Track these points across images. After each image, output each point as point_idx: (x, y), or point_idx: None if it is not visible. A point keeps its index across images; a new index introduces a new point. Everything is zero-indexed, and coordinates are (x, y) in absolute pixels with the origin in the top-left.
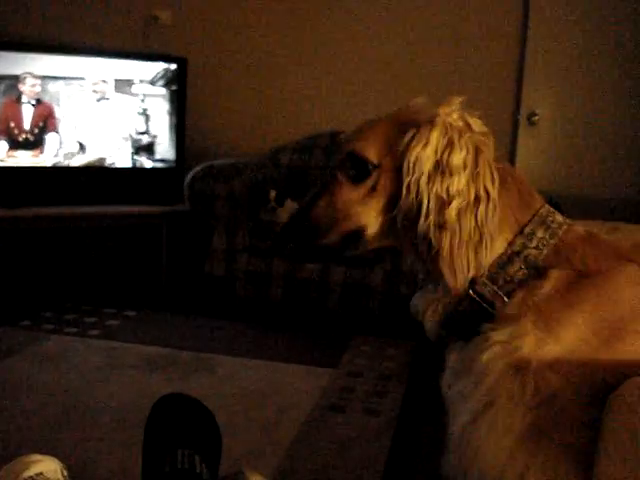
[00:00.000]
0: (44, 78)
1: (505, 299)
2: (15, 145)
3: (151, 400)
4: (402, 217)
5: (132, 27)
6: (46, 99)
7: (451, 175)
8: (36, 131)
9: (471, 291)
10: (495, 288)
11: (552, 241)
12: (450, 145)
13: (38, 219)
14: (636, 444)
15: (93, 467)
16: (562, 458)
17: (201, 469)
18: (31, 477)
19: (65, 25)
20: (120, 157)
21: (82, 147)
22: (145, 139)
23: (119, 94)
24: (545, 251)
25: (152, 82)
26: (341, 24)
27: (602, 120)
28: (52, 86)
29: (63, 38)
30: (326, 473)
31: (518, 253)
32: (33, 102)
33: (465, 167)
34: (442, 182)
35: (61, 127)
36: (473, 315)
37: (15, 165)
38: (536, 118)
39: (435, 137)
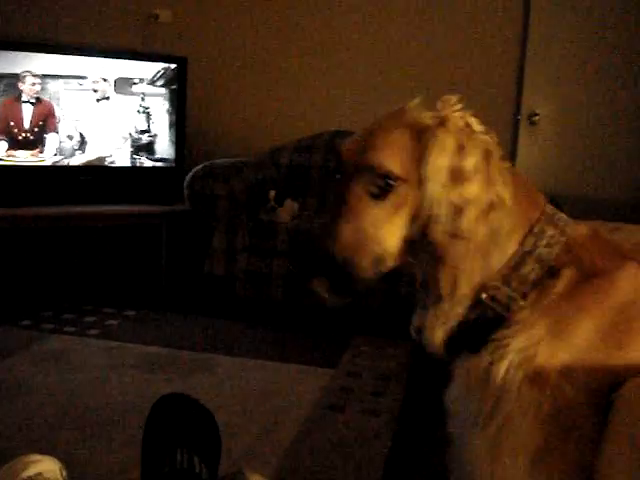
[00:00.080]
0: (44, 77)
1: (521, 302)
2: (15, 144)
3: (151, 400)
4: (421, 228)
5: (132, 26)
6: (46, 98)
7: (464, 181)
8: (36, 130)
9: (484, 295)
10: (509, 290)
11: (562, 239)
12: (461, 149)
13: (38, 219)
14: (636, 444)
15: (93, 467)
16: (576, 476)
17: (200, 469)
18: (30, 477)
19: (65, 24)
20: (120, 156)
21: (82, 146)
22: (145, 138)
23: (119, 93)
24: (556, 249)
25: (152, 81)
26: (341, 24)
27: (602, 120)
28: (52, 85)
29: (63, 37)
30: (326, 473)
31: (530, 252)
32: (33, 101)
33: (477, 172)
34: (456, 189)
35: (61, 126)
36: (485, 322)
37: (15, 164)
38: (536, 118)
39: (449, 142)
